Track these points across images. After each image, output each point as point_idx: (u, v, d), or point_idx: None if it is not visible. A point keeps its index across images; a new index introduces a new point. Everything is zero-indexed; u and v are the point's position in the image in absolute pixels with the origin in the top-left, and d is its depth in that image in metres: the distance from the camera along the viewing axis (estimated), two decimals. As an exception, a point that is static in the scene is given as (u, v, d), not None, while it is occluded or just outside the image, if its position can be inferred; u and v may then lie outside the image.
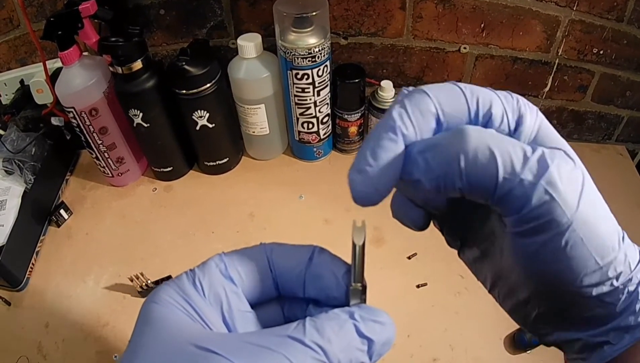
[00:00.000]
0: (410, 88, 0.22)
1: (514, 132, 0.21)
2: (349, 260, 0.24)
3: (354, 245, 0.23)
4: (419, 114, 0.20)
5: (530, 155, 0.19)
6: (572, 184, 0.19)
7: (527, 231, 0.20)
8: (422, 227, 0.26)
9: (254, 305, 0.24)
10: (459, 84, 0.21)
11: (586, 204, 0.19)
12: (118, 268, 0.75)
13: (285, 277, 0.25)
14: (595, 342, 0.22)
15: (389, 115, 0.21)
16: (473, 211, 0.24)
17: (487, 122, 0.21)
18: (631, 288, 0.21)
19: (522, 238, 0.20)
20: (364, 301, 0.24)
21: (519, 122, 0.21)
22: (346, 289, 0.24)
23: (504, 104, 0.21)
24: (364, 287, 0.24)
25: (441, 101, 0.20)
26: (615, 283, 0.21)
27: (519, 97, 0.21)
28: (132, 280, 0.69)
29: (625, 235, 0.21)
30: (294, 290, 0.25)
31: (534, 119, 0.21)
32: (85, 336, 0.67)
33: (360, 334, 0.21)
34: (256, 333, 0.21)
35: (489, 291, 0.27)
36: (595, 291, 0.21)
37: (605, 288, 0.21)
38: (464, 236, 0.27)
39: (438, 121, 0.20)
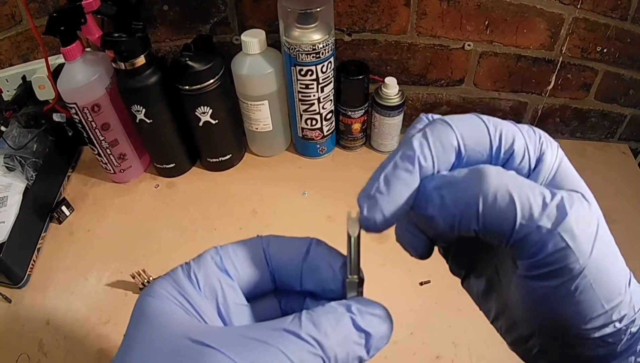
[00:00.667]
0: (430, 116, 0.21)
1: (534, 170, 0.21)
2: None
3: (349, 237, 0.23)
4: (440, 146, 0.20)
5: (549, 201, 0.19)
6: (588, 230, 0.19)
7: (539, 275, 0.20)
8: (423, 256, 0.25)
9: (250, 298, 0.24)
10: (483, 117, 0.21)
11: (599, 250, 0.19)
12: (120, 265, 0.74)
13: (282, 270, 0.24)
14: None
15: (409, 143, 0.20)
16: (482, 246, 0.23)
17: (508, 158, 0.20)
18: (634, 329, 0.21)
19: (532, 282, 0.20)
20: (361, 294, 0.23)
21: (539, 160, 0.21)
22: (343, 281, 0.23)
23: (526, 140, 0.20)
24: (361, 280, 0.23)
25: (464, 135, 0.20)
26: (618, 325, 0.21)
27: (542, 132, 0.21)
28: (133, 277, 0.69)
29: (632, 277, 0.21)
30: (290, 283, 0.24)
31: (555, 156, 0.21)
32: (86, 333, 0.67)
33: (358, 327, 0.20)
34: (252, 327, 0.21)
35: (491, 322, 0.27)
36: (598, 334, 0.21)
37: (608, 330, 0.21)
38: (470, 268, 0.27)
39: (459, 154, 0.20)
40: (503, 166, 0.20)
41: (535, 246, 0.19)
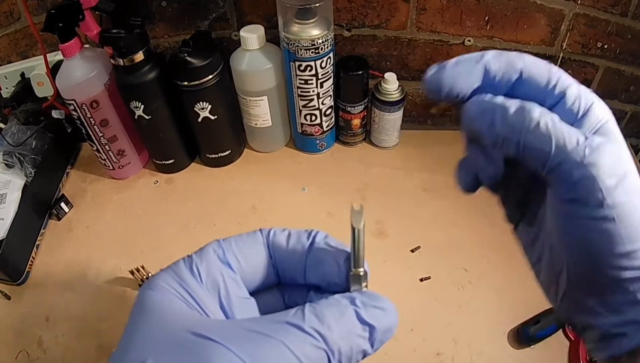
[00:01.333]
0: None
1: (581, 118, 0.23)
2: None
3: (353, 229, 0.22)
4: (506, 62, 0.23)
5: (582, 142, 0.21)
6: (614, 170, 0.21)
7: (569, 200, 0.22)
8: (468, 190, 0.27)
9: (253, 292, 0.24)
10: (554, 66, 0.24)
11: (624, 191, 0.21)
12: (119, 261, 0.74)
13: (286, 263, 0.24)
14: (614, 332, 0.23)
15: (483, 52, 0.24)
16: (532, 186, 0.27)
17: (560, 99, 0.23)
18: None
19: (564, 205, 0.22)
20: (366, 287, 0.23)
21: (587, 112, 0.23)
22: (347, 275, 0.23)
23: (581, 91, 0.23)
24: (366, 273, 0.23)
25: (528, 64, 0.23)
26: (638, 273, 0.21)
27: (597, 97, 0.24)
28: (132, 274, 0.69)
29: None
30: (294, 276, 0.24)
31: (603, 113, 0.23)
32: (85, 330, 0.67)
33: (362, 320, 0.20)
34: (254, 320, 0.21)
35: (532, 267, 0.28)
36: (619, 274, 0.22)
37: (628, 274, 0.22)
38: (524, 211, 0.28)
39: (519, 77, 0.23)
40: (556, 104, 0.23)
41: (566, 173, 0.22)
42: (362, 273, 0.23)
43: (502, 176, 0.26)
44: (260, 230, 0.25)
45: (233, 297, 0.22)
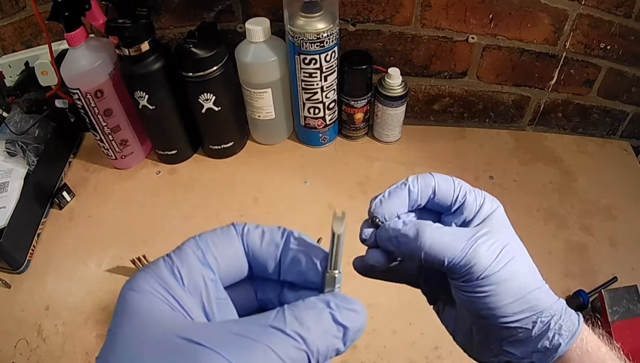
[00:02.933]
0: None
1: (476, 213, 0.32)
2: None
3: (333, 234, 0.23)
4: (423, 184, 0.32)
5: (464, 245, 0.29)
6: (493, 256, 0.29)
7: (459, 284, 0.30)
8: (383, 266, 0.33)
9: (226, 287, 0.24)
10: (455, 179, 0.32)
11: (504, 273, 0.29)
12: (120, 251, 0.74)
13: (259, 260, 0.25)
14: (525, 361, 0.31)
15: (405, 180, 0.32)
16: (439, 280, 0.34)
17: (463, 202, 0.31)
18: (543, 319, 0.29)
19: (456, 289, 0.31)
20: (339, 288, 0.24)
21: (480, 207, 0.32)
22: (323, 275, 0.24)
23: (476, 194, 0.32)
24: (340, 274, 0.24)
25: (438, 181, 0.32)
26: (527, 314, 0.29)
27: (486, 194, 0.32)
28: (134, 263, 0.69)
29: (545, 285, 0.31)
30: (267, 273, 0.25)
31: (491, 206, 0.32)
32: (85, 319, 0.67)
33: (337, 322, 0.21)
34: (238, 323, 0.21)
35: (451, 334, 0.36)
36: (508, 326, 0.29)
37: (515, 324, 0.29)
38: (436, 296, 0.37)
39: (434, 192, 0.32)
40: (460, 206, 0.32)
41: (455, 268, 0.29)
42: (337, 275, 0.24)
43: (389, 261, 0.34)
44: (234, 225, 0.25)
45: (213, 299, 0.23)
